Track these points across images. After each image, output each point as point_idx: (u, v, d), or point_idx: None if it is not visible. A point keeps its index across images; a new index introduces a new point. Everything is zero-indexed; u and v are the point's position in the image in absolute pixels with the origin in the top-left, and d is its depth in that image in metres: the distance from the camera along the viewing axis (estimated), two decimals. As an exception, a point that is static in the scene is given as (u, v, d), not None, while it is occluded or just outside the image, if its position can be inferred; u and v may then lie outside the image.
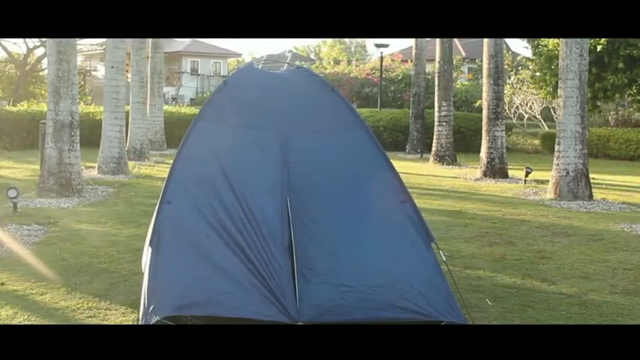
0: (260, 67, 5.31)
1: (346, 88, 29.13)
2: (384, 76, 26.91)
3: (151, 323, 3.86)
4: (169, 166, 4.64)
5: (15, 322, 4.57)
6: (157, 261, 4.15)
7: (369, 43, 66.89)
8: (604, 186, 12.22)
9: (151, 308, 3.95)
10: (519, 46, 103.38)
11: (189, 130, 4.69)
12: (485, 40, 13.88)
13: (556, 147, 10.76)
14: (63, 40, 9.66)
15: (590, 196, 10.54)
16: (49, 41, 10.11)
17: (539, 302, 5.24)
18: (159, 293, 4.04)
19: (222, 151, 4.59)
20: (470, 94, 25.52)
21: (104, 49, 15.09)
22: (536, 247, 7.19)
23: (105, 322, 4.59)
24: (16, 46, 34.43)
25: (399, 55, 32.45)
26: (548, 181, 11.19)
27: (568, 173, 10.51)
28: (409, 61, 25.63)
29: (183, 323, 4.25)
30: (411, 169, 15.15)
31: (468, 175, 14.17)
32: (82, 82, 29.92)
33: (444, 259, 4.65)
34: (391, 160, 4.72)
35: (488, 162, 13.64)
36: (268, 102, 4.78)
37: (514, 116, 25.44)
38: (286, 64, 5.54)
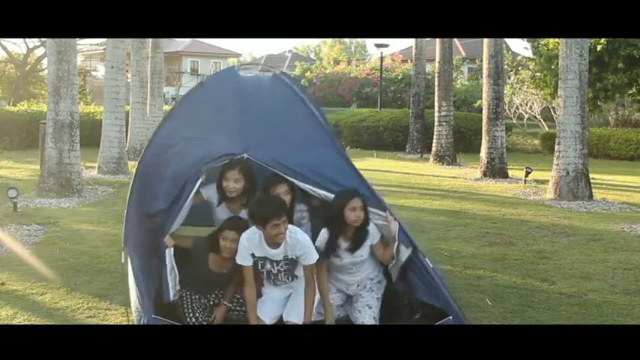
0: (242, 71, 5.19)
1: (346, 88, 29.15)
2: (384, 76, 26.91)
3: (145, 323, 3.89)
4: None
5: (15, 322, 4.56)
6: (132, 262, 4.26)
7: (369, 43, 67.16)
8: (604, 186, 12.22)
9: (140, 309, 4.01)
10: (519, 46, 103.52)
11: (158, 128, 4.77)
12: (485, 40, 13.88)
13: (556, 147, 10.77)
14: (63, 40, 9.66)
15: (590, 196, 10.54)
16: (49, 41, 10.11)
17: (539, 302, 5.24)
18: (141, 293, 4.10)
19: (182, 154, 4.62)
20: (470, 94, 25.52)
21: (104, 49, 15.08)
22: (536, 247, 7.19)
23: (105, 322, 4.59)
24: (16, 46, 34.56)
25: (399, 55, 32.47)
26: (548, 181, 11.20)
27: (568, 173, 10.51)
28: (409, 61, 25.63)
29: (182, 323, 4.26)
30: (411, 169, 15.15)
31: (468, 175, 14.17)
32: (82, 82, 29.93)
33: (431, 265, 4.56)
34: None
35: (488, 162, 13.64)
36: (239, 110, 4.74)
37: (514, 116, 25.44)
38: (279, 70, 5.42)
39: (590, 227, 8.37)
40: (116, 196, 10.13)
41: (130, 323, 4.39)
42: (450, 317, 4.22)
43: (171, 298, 4.20)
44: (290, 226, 4.20)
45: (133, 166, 13.29)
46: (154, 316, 3.92)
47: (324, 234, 4.43)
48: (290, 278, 4.35)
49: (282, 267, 4.30)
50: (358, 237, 4.43)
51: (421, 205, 9.91)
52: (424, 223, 8.40)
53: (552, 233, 7.99)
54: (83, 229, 7.68)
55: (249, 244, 4.21)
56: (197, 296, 4.46)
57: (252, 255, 4.24)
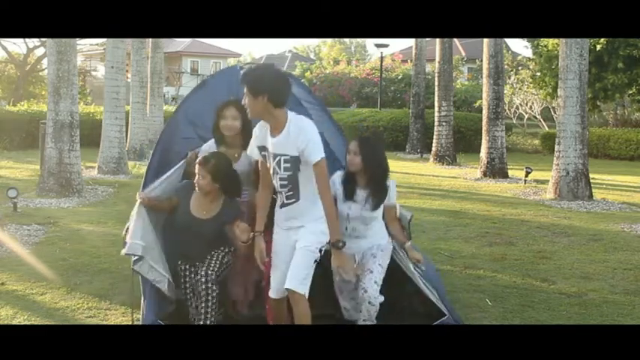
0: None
1: (346, 88, 29.14)
2: (384, 76, 26.91)
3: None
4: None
5: (15, 322, 4.56)
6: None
7: (369, 43, 67.24)
8: (604, 186, 12.22)
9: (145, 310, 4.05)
10: (519, 46, 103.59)
11: (164, 128, 4.81)
12: (485, 40, 13.88)
13: (556, 147, 10.77)
14: (63, 40, 9.67)
15: (590, 196, 10.55)
16: (49, 41, 10.11)
17: (539, 302, 5.24)
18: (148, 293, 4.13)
19: (182, 155, 4.64)
20: (470, 94, 25.52)
21: (104, 49, 15.09)
22: (536, 247, 7.19)
23: (105, 322, 4.59)
24: (16, 46, 34.59)
25: (399, 55, 32.48)
26: (548, 181, 11.20)
27: (568, 173, 10.51)
28: (409, 61, 25.64)
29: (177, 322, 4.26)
30: (411, 169, 15.15)
31: (468, 175, 14.17)
32: (82, 82, 29.93)
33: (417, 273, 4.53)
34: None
35: (488, 162, 13.65)
36: None
37: (514, 116, 25.45)
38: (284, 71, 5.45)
39: (590, 227, 8.37)
40: (116, 196, 10.13)
41: (131, 323, 4.40)
42: (447, 316, 4.21)
43: (140, 252, 3.95)
44: (291, 113, 3.72)
45: (133, 166, 13.32)
46: (158, 321, 3.97)
47: (339, 174, 4.24)
48: (292, 194, 3.76)
49: (283, 168, 3.71)
50: (376, 187, 4.16)
51: (421, 205, 9.91)
52: (424, 223, 8.40)
53: (552, 233, 7.99)
54: (83, 229, 7.68)
55: (259, 132, 3.83)
56: (189, 267, 4.30)
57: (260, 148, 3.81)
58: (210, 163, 4.16)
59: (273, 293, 3.91)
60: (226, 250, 4.29)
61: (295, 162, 3.67)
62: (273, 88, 3.61)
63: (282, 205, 3.81)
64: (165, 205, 4.39)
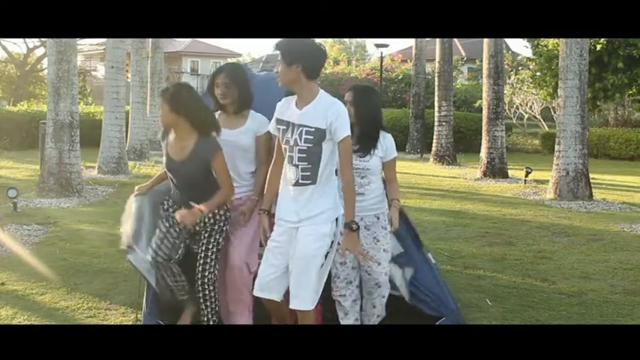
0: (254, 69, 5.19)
1: (346, 88, 29.10)
2: (384, 76, 26.90)
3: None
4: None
5: (15, 322, 4.56)
6: None
7: (369, 43, 67.18)
8: (604, 186, 12.22)
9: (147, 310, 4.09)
10: (519, 45, 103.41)
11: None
12: (485, 40, 13.89)
13: (556, 147, 10.77)
14: (63, 40, 9.67)
15: (590, 196, 10.55)
16: (49, 41, 10.12)
17: (539, 302, 5.24)
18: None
19: None
20: (470, 94, 25.52)
21: (104, 49, 15.11)
22: (536, 247, 7.19)
23: (105, 322, 4.59)
24: (16, 46, 34.66)
25: (399, 55, 32.45)
26: (548, 181, 11.20)
27: (568, 173, 10.51)
28: (409, 61, 25.63)
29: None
30: (411, 169, 15.15)
31: (468, 175, 14.17)
32: (82, 82, 29.95)
33: (434, 262, 4.57)
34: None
35: (488, 162, 13.65)
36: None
37: (514, 116, 25.45)
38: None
39: (590, 227, 8.38)
40: (116, 196, 10.13)
41: (132, 323, 4.40)
42: (444, 318, 4.22)
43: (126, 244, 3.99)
44: (322, 91, 3.63)
45: (133, 166, 13.32)
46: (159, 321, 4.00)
47: None
48: (309, 173, 3.58)
49: (304, 140, 3.55)
50: (364, 136, 4.08)
51: (421, 205, 9.91)
52: (424, 223, 8.40)
53: (552, 233, 7.99)
54: (83, 229, 7.68)
55: (282, 106, 3.73)
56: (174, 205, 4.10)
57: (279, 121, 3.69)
58: (168, 92, 3.88)
59: (255, 289, 3.75)
60: (221, 223, 4.04)
61: (319, 135, 3.53)
62: (308, 59, 3.53)
63: (295, 184, 3.60)
64: (156, 182, 4.27)
